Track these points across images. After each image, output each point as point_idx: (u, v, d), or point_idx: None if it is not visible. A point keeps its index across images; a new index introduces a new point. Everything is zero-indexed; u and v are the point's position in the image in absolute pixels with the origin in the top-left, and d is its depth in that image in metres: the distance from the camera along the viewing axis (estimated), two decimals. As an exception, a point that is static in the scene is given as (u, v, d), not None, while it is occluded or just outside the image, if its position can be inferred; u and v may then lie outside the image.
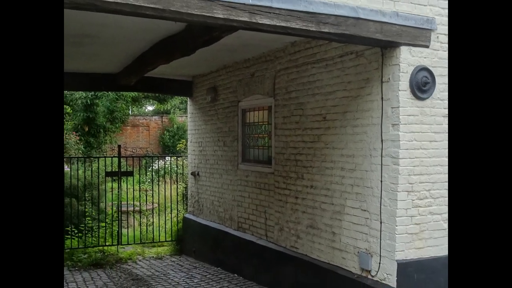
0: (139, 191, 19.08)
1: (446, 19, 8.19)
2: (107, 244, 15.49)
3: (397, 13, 7.78)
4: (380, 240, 8.17)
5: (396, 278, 7.92)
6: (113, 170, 16.05)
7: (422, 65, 8.05)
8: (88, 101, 26.40)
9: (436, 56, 8.24)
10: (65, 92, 25.29)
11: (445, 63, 8.17)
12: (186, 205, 16.24)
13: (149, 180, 21.62)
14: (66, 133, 26.59)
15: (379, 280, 8.18)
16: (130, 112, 30.72)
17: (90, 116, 26.73)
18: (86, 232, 15.55)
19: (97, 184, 16.90)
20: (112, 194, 17.77)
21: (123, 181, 17.07)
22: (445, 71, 8.20)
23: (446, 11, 8.18)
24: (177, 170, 18.90)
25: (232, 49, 10.84)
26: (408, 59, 7.96)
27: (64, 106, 27.21)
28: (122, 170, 16.07)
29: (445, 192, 8.24)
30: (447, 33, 8.18)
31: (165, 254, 15.46)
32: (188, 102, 16.03)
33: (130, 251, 15.30)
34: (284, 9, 6.84)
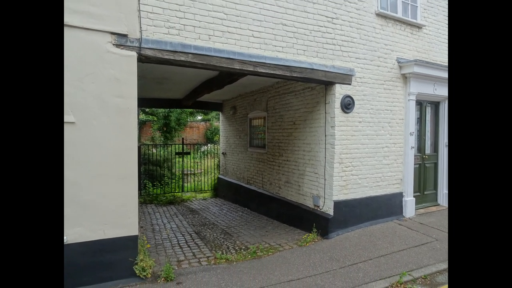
0: (194, 162, 19.03)
1: (360, 69, 8.21)
2: (175, 191, 15.48)
3: (334, 66, 7.66)
4: (324, 189, 8.05)
5: (333, 210, 7.84)
6: (179, 151, 16.12)
7: (347, 94, 7.91)
8: (166, 113, 26.51)
9: (355, 89, 8.09)
10: (153, 108, 25.46)
11: (360, 93, 8.21)
12: (219, 170, 16.15)
13: (199, 157, 21.62)
14: (154, 131, 26.92)
15: (324, 211, 8.04)
16: (188, 120, 30.68)
17: (166, 122, 26.80)
18: (164, 185, 15.69)
19: (170, 159, 16.98)
20: (178, 164, 17.85)
21: (185, 157, 17.08)
22: (360, 97, 8.20)
23: (360, 64, 8.22)
24: (214, 151, 18.92)
25: (244, 85, 10.70)
26: (339, 91, 7.84)
27: (152, 116, 27.36)
28: (184, 151, 16.13)
29: (360, 163, 8.31)
30: (360, 76, 8.19)
31: (208, 197, 15.36)
32: (220, 114, 15.89)
33: (189, 195, 15.24)
34: (272, 63, 6.79)
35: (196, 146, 24.76)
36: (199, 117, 34.89)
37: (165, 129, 27.22)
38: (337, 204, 7.90)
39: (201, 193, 16.06)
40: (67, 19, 4.96)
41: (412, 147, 9.15)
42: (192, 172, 18.47)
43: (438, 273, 6.08)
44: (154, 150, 17.38)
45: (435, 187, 10.33)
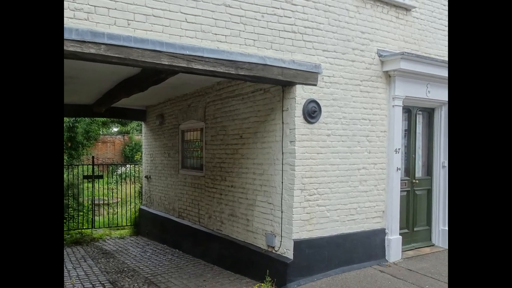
0: (107, 189, 19.25)
1: (329, 65, 8.60)
2: (84, 227, 15.92)
3: (294, 61, 8.06)
4: (281, 224, 8.40)
5: (292, 252, 8.17)
6: (88, 174, 16.39)
7: (311, 98, 8.32)
8: (70, 124, 26.37)
9: (321, 92, 8.50)
10: (54, 117, 25.39)
11: (328, 97, 8.57)
12: (141, 199, 16.45)
13: (114, 181, 21.84)
14: (53, 148, 26.84)
15: (280, 253, 8.40)
16: (100, 132, 30.61)
17: (72, 135, 26.68)
18: (69, 219, 16.08)
19: (76, 184, 17.19)
20: (87, 191, 18.02)
21: (96, 182, 17.24)
22: (328, 103, 8.57)
23: (329, 59, 8.61)
24: (134, 174, 19.20)
25: (175, 86, 10.96)
26: (301, 94, 8.23)
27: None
28: (95, 174, 16.49)
29: (328, 190, 8.65)
30: (329, 75, 8.58)
31: (126, 235, 15.71)
32: (143, 125, 16.14)
33: (101, 233, 15.64)
34: (212, 57, 7.13)
35: (111, 167, 24.92)
36: (115, 129, 34.80)
37: (69, 144, 27.06)
38: (298, 245, 8.27)
39: (118, 229, 16.47)
40: None
41: (398, 169, 9.65)
42: (106, 202, 18.80)
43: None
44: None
45: (429, 221, 11.01)
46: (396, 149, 9.58)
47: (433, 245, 10.91)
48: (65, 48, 5.96)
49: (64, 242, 13.97)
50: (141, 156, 19.30)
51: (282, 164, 8.44)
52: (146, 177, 15.67)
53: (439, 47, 10.48)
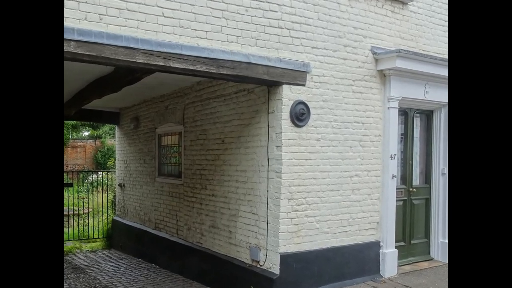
0: (78, 198, 19.20)
1: (319, 63, 8.63)
2: (53, 240, 15.69)
3: (280, 59, 8.10)
4: (267, 237, 8.44)
5: (279, 267, 8.19)
6: (58, 182, 16.28)
7: (299, 100, 8.35)
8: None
9: (310, 93, 8.54)
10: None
11: (318, 98, 8.61)
12: (114, 209, 16.41)
13: (85, 190, 21.78)
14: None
15: (266, 268, 8.43)
16: (70, 136, 30.49)
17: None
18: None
19: (45, 192, 17.05)
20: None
21: (65, 191, 17.21)
22: (318, 105, 8.61)
23: (319, 57, 8.65)
24: (107, 182, 19.12)
25: (151, 87, 10.95)
26: (288, 95, 8.26)
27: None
28: (64, 182, 16.24)
29: (318, 200, 8.68)
30: (319, 74, 8.62)
31: (98, 248, 15.68)
32: (116, 129, 16.14)
33: (70, 246, 15.55)
34: (191, 55, 7.14)
35: (81, 175, 24.79)
36: (86, 133, 34.73)
37: (37, 150, 27.04)
38: (285, 259, 8.30)
39: (89, 242, 16.42)
40: None
41: (393, 176, 9.70)
42: (76, 212, 18.76)
43: None
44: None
45: (427, 234, 11.09)
46: (391, 154, 9.62)
47: (431, 259, 11.00)
48: (31, 45, 5.95)
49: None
50: (114, 162, 19.27)
51: (268, 171, 8.47)
52: (119, 185, 15.67)
53: (439, 44, 10.57)
